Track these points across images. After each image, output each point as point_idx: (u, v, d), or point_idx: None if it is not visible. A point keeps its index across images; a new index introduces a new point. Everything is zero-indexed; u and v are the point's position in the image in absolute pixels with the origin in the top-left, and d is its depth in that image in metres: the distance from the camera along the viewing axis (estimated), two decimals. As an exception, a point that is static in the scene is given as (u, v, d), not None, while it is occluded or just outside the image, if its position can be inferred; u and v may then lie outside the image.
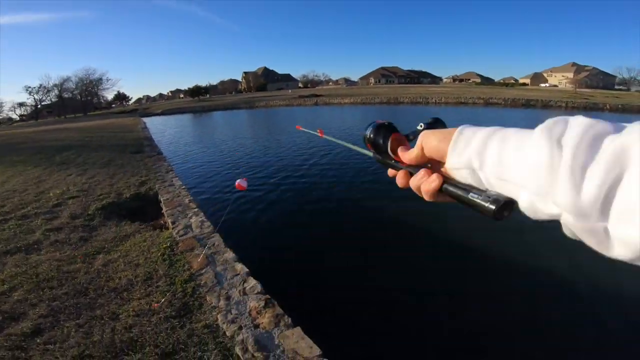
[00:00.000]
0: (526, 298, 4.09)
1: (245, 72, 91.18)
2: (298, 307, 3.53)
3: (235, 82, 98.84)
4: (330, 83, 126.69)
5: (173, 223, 4.56)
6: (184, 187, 6.19)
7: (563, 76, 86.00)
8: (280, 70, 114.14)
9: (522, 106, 32.85)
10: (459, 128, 0.43)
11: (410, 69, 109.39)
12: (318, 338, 2.46)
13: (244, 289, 3.04)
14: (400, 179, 0.51)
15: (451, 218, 6.08)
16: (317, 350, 2.31)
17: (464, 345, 3.42)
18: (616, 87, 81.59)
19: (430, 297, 4.15)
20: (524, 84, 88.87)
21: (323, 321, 3.70)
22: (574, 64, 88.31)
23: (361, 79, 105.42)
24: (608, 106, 32.99)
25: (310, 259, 5.15)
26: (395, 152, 0.52)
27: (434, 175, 0.45)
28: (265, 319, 2.62)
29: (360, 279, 4.62)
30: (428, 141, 0.46)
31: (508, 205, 0.35)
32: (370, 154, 0.59)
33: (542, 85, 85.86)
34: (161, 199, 5.61)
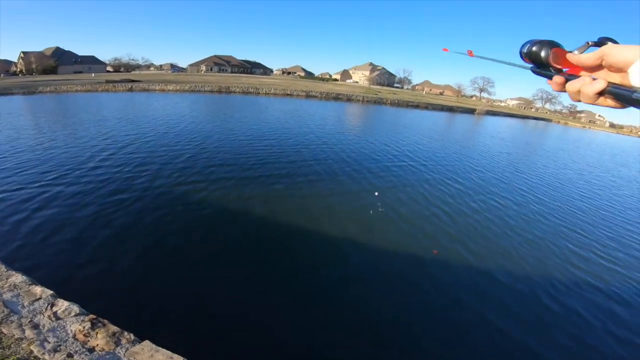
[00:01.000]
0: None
1: (23, 52, 66.34)
2: (139, 320, 3.25)
3: (6, 63, 71.42)
4: (152, 68, 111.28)
5: None
6: None
7: (363, 74, 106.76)
8: (81, 51, 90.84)
9: (333, 99, 39.15)
10: None
11: (244, 59, 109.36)
12: (174, 345, 2.36)
13: (55, 313, 2.60)
14: (556, 84, 0.59)
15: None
16: (179, 358, 2.21)
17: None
18: (395, 84, 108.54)
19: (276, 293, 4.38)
20: (336, 80, 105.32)
21: (176, 329, 3.56)
22: (370, 64, 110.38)
23: (191, 65, 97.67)
24: (389, 101, 43.79)
25: (133, 263, 4.58)
26: (557, 62, 0.60)
27: (600, 79, 0.51)
28: (99, 340, 2.35)
29: (195, 276, 4.46)
30: (616, 51, 0.49)
31: None
32: (528, 66, 0.67)
33: (348, 81, 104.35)
34: None
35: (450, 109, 47.04)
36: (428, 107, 45.43)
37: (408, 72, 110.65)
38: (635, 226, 8.35)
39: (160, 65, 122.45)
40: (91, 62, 78.04)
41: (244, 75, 79.88)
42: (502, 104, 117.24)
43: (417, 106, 44.36)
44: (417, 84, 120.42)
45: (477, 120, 37.43)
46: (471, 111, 49.35)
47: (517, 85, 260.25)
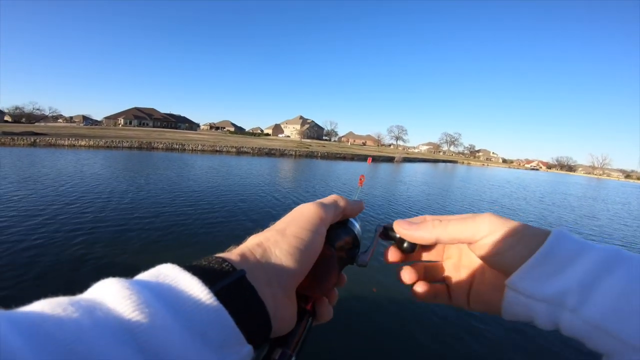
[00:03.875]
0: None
1: None
2: None
3: None
4: (61, 120, 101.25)
5: None
6: None
7: (294, 128, 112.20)
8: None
9: (265, 155, 39.74)
10: (556, 231, 0.33)
11: (168, 112, 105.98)
12: None
13: None
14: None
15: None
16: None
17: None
18: (323, 137, 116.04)
19: None
20: (267, 134, 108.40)
21: None
22: (301, 117, 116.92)
23: (107, 118, 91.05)
24: (319, 154, 46.33)
25: None
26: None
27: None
28: None
29: None
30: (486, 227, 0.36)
31: None
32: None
33: (280, 135, 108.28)
34: None
35: (373, 159, 51.67)
36: (354, 158, 49.26)
37: (334, 124, 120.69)
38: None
39: (71, 117, 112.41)
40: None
41: (168, 130, 75.63)
42: (416, 150, 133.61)
43: (344, 158, 47.77)
44: (342, 136, 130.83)
45: (396, 168, 41.52)
46: (390, 159, 54.90)
47: (426, 131, 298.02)
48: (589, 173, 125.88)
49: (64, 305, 0.19)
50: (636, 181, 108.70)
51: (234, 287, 0.26)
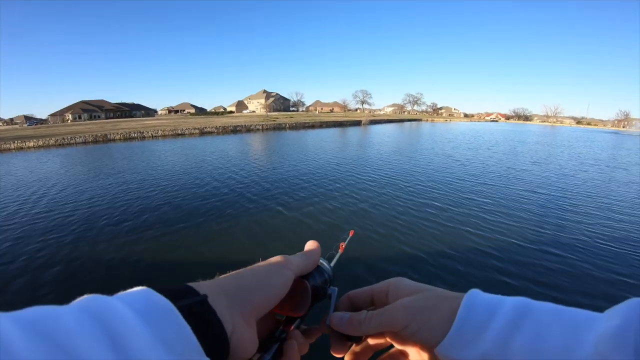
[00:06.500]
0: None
1: None
2: None
3: None
4: (0, 123, 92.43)
5: None
6: None
7: (258, 102, 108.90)
8: None
9: (231, 132, 38.79)
10: (467, 298, 0.36)
11: (120, 102, 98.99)
12: None
13: None
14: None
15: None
16: None
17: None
18: (291, 108, 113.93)
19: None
20: (231, 112, 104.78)
21: None
22: (264, 91, 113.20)
23: (53, 115, 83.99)
24: (288, 125, 45.78)
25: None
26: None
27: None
28: None
29: None
30: (398, 310, 0.39)
31: None
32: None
33: (245, 111, 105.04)
34: None
35: (341, 124, 52.00)
36: (322, 125, 49.24)
37: (300, 94, 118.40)
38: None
39: (11, 119, 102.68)
40: None
41: (123, 119, 70.74)
42: (382, 112, 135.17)
43: (312, 126, 47.62)
44: (309, 105, 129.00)
45: (364, 130, 42.18)
46: (358, 123, 55.43)
47: (390, 93, 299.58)
48: (544, 121, 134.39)
49: (58, 310, 0.23)
50: (585, 126, 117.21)
51: (196, 307, 0.30)
